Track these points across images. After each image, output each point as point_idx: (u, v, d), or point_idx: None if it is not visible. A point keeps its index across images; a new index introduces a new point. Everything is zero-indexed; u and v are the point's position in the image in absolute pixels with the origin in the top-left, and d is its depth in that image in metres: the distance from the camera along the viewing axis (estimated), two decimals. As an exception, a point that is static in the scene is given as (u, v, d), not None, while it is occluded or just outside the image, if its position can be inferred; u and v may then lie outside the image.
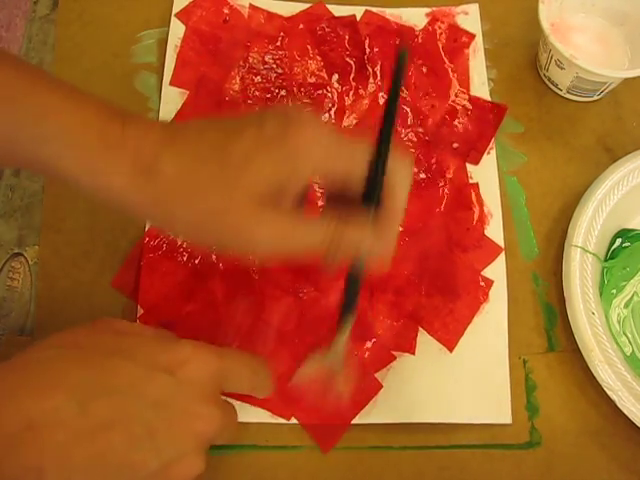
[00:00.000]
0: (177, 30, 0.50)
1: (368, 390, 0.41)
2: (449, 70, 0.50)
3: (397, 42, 0.50)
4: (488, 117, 0.48)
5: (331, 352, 0.35)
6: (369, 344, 0.42)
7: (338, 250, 0.27)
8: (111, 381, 0.26)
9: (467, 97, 0.49)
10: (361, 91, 0.49)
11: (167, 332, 0.32)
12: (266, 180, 0.27)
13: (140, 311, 0.42)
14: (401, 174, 0.29)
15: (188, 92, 0.48)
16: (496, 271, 0.44)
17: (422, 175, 0.46)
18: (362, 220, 0.28)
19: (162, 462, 0.26)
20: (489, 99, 0.49)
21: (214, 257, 0.44)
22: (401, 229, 0.45)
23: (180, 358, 0.28)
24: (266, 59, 0.50)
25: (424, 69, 0.50)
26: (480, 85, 0.50)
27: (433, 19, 0.52)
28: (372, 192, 0.28)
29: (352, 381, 0.38)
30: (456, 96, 0.49)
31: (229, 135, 0.28)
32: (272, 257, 0.29)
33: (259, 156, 0.27)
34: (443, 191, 0.46)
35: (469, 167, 0.47)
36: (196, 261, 0.44)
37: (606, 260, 0.44)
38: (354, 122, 0.48)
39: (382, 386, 0.41)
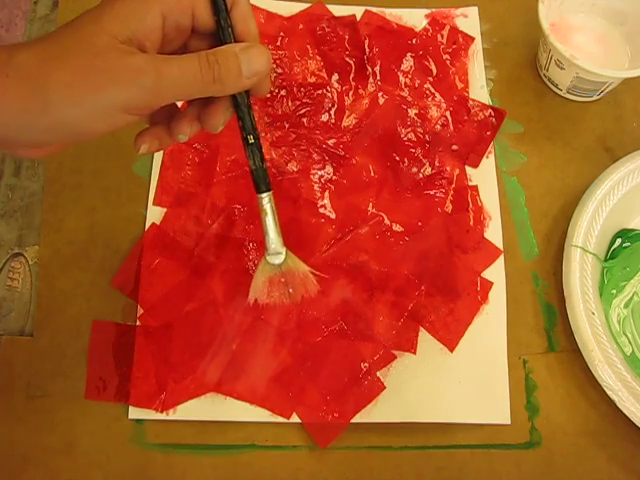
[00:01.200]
0: (177, 30, 0.50)
1: (371, 390, 0.41)
2: (449, 72, 0.50)
3: None
4: (487, 121, 0.49)
5: (268, 247, 0.33)
6: (369, 344, 0.42)
7: (218, 71, 0.28)
8: None
9: (466, 100, 0.49)
10: (361, 91, 0.49)
11: None
12: (121, 27, 0.27)
13: (140, 310, 0.43)
14: None
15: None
16: (495, 273, 0.44)
17: (421, 175, 0.46)
18: (227, 42, 0.29)
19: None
20: (488, 102, 0.49)
21: (214, 256, 0.44)
22: (401, 229, 0.45)
23: None
24: (266, 59, 0.50)
25: (424, 70, 0.50)
26: (479, 88, 0.50)
27: (433, 20, 0.52)
28: (220, 10, 0.29)
29: (301, 262, 0.36)
30: (456, 98, 0.49)
31: (76, 17, 0.28)
32: (155, 95, 0.27)
33: (106, 12, 0.27)
34: (442, 192, 0.46)
35: (468, 169, 0.47)
36: (196, 261, 0.44)
37: (606, 260, 0.44)
38: (354, 122, 0.48)
39: (385, 387, 0.41)
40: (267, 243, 0.34)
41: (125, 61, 0.26)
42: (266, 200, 0.32)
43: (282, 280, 0.35)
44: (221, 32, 0.29)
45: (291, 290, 0.36)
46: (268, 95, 0.30)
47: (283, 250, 0.34)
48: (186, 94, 0.28)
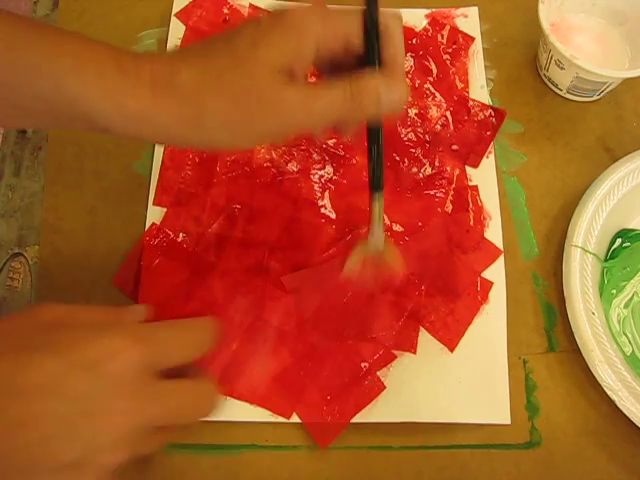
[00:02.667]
0: (177, 30, 0.50)
1: (371, 390, 0.41)
2: (449, 72, 0.50)
3: None
4: (487, 121, 0.49)
5: (370, 236, 0.37)
6: (369, 344, 0.42)
7: (359, 99, 0.29)
8: (25, 378, 0.26)
9: (466, 100, 0.49)
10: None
11: (112, 314, 0.31)
12: (277, 55, 0.28)
13: (140, 311, 0.42)
14: (392, 18, 0.31)
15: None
16: (495, 273, 0.44)
17: (422, 175, 0.46)
18: (372, 70, 0.30)
19: (77, 455, 0.26)
20: (488, 102, 0.49)
21: (214, 256, 0.44)
22: (401, 229, 0.45)
23: (103, 352, 0.27)
24: (266, 59, 0.50)
25: (424, 70, 0.50)
26: (479, 88, 0.50)
27: (433, 21, 0.52)
28: (372, 41, 0.30)
29: (398, 256, 0.39)
30: (456, 98, 0.49)
31: (231, 35, 0.29)
32: (302, 127, 0.29)
33: (264, 39, 0.28)
34: (443, 192, 0.46)
35: (468, 169, 0.47)
36: (196, 260, 0.44)
37: (606, 260, 0.44)
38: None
39: (385, 387, 0.41)
40: (370, 233, 0.38)
41: (279, 95, 0.28)
42: (377, 197, 0.36)
43: (373, 264, 0.39)
44: (368, 58, 0.30)
45: (380, 275, 0.39)
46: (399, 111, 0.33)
47: (382, 238, 0.38)
48: (329, 123, 0.30)
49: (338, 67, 0.32)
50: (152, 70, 0.28)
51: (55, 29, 0.30)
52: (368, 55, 0.30)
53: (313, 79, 0.41)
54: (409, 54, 0.50)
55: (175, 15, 0.51)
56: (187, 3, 0.51)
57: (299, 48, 0.29)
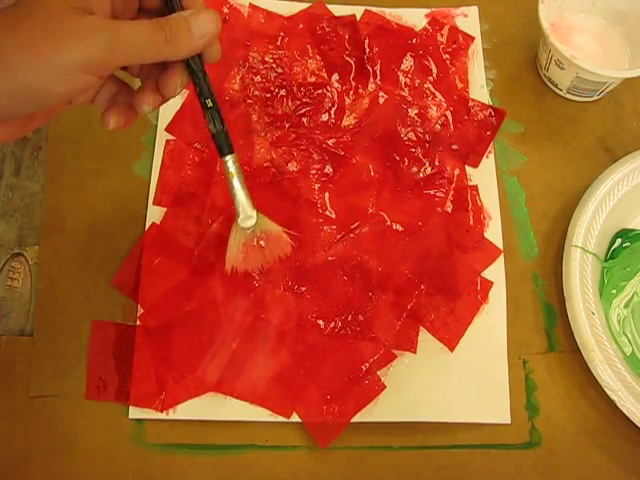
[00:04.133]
0: (177, 30, 0.50)
1: (371, 390, 0.41)
2: (449, 72, 0.50)
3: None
4: (487, 121, 0.49)
5: (237, 210, 0.33)
6: (369, 343, 0.42)
7: (169, 32, 0.28)
8: None
9: (466, 100, 0.49)
10: (361, 90, 0.49)
11: None
12: None
13: (140, 310, 0.43)
14: None
15: (188, 91, 0.48)
16: (495, 273, 0.44)
17: (422, 175, 0.46)
18: (172, 8, 0.30)
19: None
20: (488, 102, 0.49)
21: (214, 255, 0.44)
22: (401, 229, 0.45)
23: None
24: (266, 58, 0.50)
25: (424, 69, 0.50)
26: (479, 88, 0.50)
27: (433, 20, 0.52)
28: None
29: (272, 222, 0.35)
30: (456, 98, 0.49)
31: None
32: (112, 53, 0.27)
33: None
34: (442, 191, 0.46)
35: (468, 169, 0.47)
36: (196, 260, 0.44)
37: (606, 260, 0.44)
38: (354, 121, 0.48)
39: (385, 387, 0.41)
40: (237, 207, 0.33)
41: (80, 20, 0.27)
42: (230, 162, 0.32)
43: (256, 243, 0.35)
44: (169, 4, 0.30)
45: (267, 252, 0.35)
46: (218, 59, 0.31)
47: (254, 213, 0.34)
48: (140, 56, 0.29)
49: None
50: None
51: None
52: (166, 4, 0.30)
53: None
54: (409, 54, 0.50)
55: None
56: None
57: None
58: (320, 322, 0.42)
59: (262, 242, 0.35)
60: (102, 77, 0.28)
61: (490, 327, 0.43)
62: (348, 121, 0.48)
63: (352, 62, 0.50)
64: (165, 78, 0.31)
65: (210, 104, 0.31)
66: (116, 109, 0.32)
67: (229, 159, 0.32)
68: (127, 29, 0.27)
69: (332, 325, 0.42)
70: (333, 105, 0.48)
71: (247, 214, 0.33)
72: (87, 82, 0.28)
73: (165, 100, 0.32)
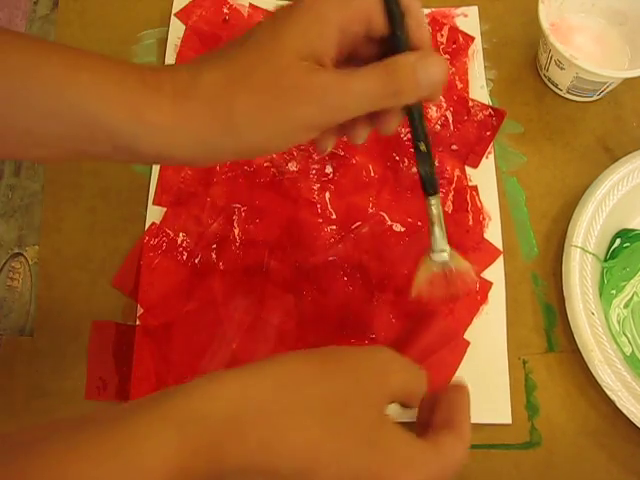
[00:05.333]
0: (177, 30, 0.50)
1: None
2: (449, 72, 0.50)
3: None
4: (487, 121, 0.48)
5: (433, 248, 0.34)
6: (369, 343, 0.42)
7: (397, 80, 0.27)
8: None
9: (466, 100, 0.49)
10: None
11: None
12: (301, 43, 0.27)
13: (140, 310, 0.43)
14: (412, 2, 0.29)
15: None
16: (495, 273, 0.44)
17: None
18: (402, 50, 0.28)
19: None
20: (488, 102, 0.49)
21: (214, 256, 0.44)
22: (401, 229, 0.45)
23: None
24: (266, 59, 0.49)
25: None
26: (479, 88, 0.50)
27: (433, 20, 0.52)
28: (398, 19, 0.28)
29: (465, 262, 0.36)
30: (455, 98, 0.49)
31: (248, 34, 0.28)
32: (340, 111, 0.27)
33: (284, 28, 0.27)
34: (442, 192, 0.46)
35: (468, 170, 0.47)
36: (196, 260, 0.44)
37: (606, 260, 0.44)
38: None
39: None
40: (433, 243, 0.34)
41: (311, 79, 0.26)
42: (434, 202, 0.33)
43: (445, 277, 0.36)
44: (397, 41, 0.28)
45: (452, 287, 0.36)
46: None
47: (447, 249, 0.35)
48: (367, 109, 0.28)
49: (362, 60, 0.30)
50: (173, 78, 0.27)
51: (71, 47, 0.28)
52: (395, 36, 0.28)
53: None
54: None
55: (175, 15, 0.51)
56: (187, 3, 0.51)
57: (322, 32, 0.27)
58: (320, 322, 0.42)
59: (450, 277, 0.36)
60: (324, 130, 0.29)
61: (490, 328, 0.43)
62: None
63: (352, 62, 0.50)
64: (383, 117, 0.30)
65: (423, 148, 0.31)
66: (329, 135, 0.31)
67: (433, 199, 0.33)
68: (357, 85, 0.27)
69: (332, 325, 0.42)
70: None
71: (440, 248, 0.35)
72: (310, 137, 0.28)
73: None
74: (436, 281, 0.36)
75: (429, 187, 0.32)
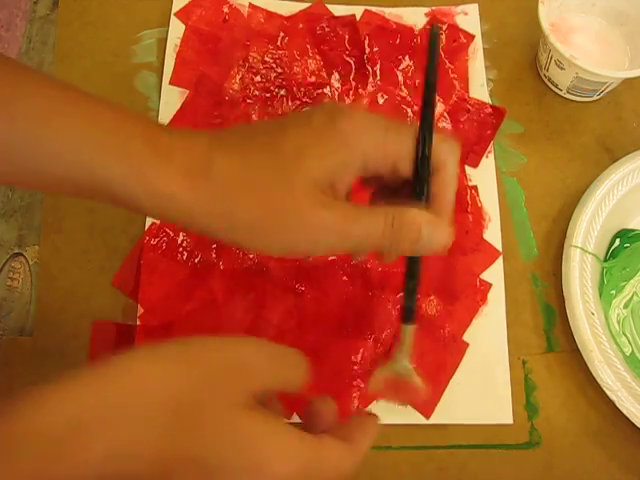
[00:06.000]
0: (177, 29, 0.50)
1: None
2: (448, 71, 0.50)
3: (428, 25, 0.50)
4: (487, 120, 0.48)
5: (396, 362, 0.36)
6: (369, 343, 0.42)
7: (399, 236, 0.27)
8: None
9: (466, 99, 0.49)
10: (361, 90, 0.49)
11: None
12: (321, 168, 0.27)
13: (140, 310, 0.43)
14: (448, 153, 0.29)
15: (188, 91, 0.48)
16: (494, 274, 0.44)
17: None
18: (418, 204, 0.29)
19: None
20: (488, 101, 0.49)
21: (214, 256, 0.44)
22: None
23: None
24: (266, 58, 0.50)
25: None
26: (479, 87, 0.50)
27: (433, 19, 0.52)
28: (423, 173, 0.28)
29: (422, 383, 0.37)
30: (455, 97, 0.49)
31: (277, 131, 0.28)
32: (333, 250, 0.29)
33: (311, 146, 0.27)
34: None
35: (468, 170, 0.47)
36: (196, 260, 0.44)
37: (606, 260, 0.44)
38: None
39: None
40: (397, 354, 0.36)
41: (316, 216, 0.27)
42: (409, 330, 0.34)
43: (397, 384, 0.37)
44: (415, 194, 0.29)
45: (401, 395, 0.38)
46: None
47: (409, 366, 0.36)
48: (361, 250, 0.29)
49: (383, 184, 0.30)
50: (187, 156, 0.27)
51: (83, 94, 0.28)
52: (415, 188, 0.29)
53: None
54: (408, 53, 0.50)
55: (175, 14, 0.51)
56: (187, 2, 0.51)
57: (346, 163, 0.27)
58: (320, 322, 0.42)
59: (403, 387, 0.37)
60: None
61: (489, 329, 0.43)
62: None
63: (352, 62, 0.50)
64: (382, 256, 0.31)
65: (411, 286, 0.32)
66: None
67: (410, 328, 0.34)
68: (357, 231, 0.27)
69: (332, 325, 0.42)
70: (333, 105, 0.48)
71: (403, 365, 0.36)
72: (302, 256, 0.29)
73: None
74: (389, 385, 0.37)
75: (408, 318, 0.33)
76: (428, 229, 0.28)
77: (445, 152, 0.29)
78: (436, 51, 0.31)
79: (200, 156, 0.27)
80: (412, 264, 0.32)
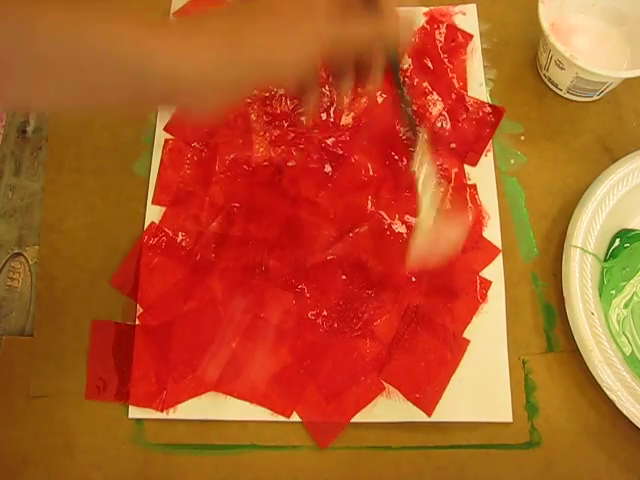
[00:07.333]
0: (177, 30, 0.50)
1: (370, 390, 0.41)
2: (447, 70, 0.50)
3: None
4: (486, 119, 0.48)
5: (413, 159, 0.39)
6: (369, 342, 0.42)
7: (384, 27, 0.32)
8: None
9: (465, 98, 0.49)
10: (359, 90, 0.49)
11: None
12: None
13: (139, 310, 0.43)
14: None
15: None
16: (494, 272, 0.44)
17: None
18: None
19: None
20: (487, 100, 0.49)
21: (213, 255, 0.44)
22: (402, 228, 0.45)
23: None
24: (265, 58, 0.49)
25: (422, 68, 0.50)
26: (477, 86, 0.50)
27: (431, 18, 0.52)
28: None
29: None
30: (454, 96, 0.49)
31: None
32: (330, 52, 0.31)
33: None
34: (441, 191, 0.46)
35: (467, 168, 0.47)
36: (195, 259, 0.44)
37: (606, 260, 0.44)
38: (352, 121, 0.48)
39: (385, 387, 0.41)
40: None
41: (311, 27, 0.30)
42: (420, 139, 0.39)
43: (435, 238, 0.39)
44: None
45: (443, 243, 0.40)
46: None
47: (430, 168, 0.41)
48: (354, 49, 0.33)
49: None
50: (179, 22, 0.29)
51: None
52: None
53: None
54: (407, 53, 0.50)
55: (174, 14, 0.51)
56: (185, 2, 0.51)
57: None
58: (319, 321, 0.42)
59: (441, 233, 0.40)
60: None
61: (490, 326, 0.43)
62: (347, 120, 0.48)
63: (351, 62, 0.50)
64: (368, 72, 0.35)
65: (402, 93, 0.37)
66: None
67: (420, 134, 0.40)
68: (348, 33, 0.31)
69: (331, 324, 0.42)
70: (332, 104, 0.48)
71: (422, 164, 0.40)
72: (309, 67, 0.31)
73: None
74: (429, 241, 0.39)
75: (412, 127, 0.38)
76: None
77: None
78: None
79: (191, 20, 0.30)
80: (396, 72, 0.36)
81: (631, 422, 0.39)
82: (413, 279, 0.43)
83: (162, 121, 0.48)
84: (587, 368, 0.40)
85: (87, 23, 0.27)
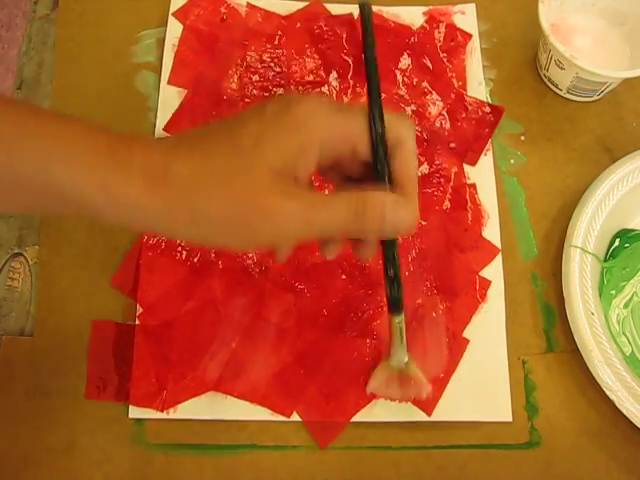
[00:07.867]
0: (175, 29, 0.50)
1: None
2: (446, 70, 0.50)
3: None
4: (485, 118, 0.48)
5: (392, 355, 0.37)
6: (369, 341, 0.42)
7: (364, 218, 0.27)
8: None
9: (464, 97, 0.49)
10: (359, 89, 0.49)
11: None
12: (279, 155, 0.27)
13: (139, 309, 0.43)
14: (404, 129, 0.29)
15: (186, 91, 0.48)
16: (493, 272, 0.44)
17: (419, 173, 0.46)
18: (382, 187, 0.29)
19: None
20: (486, 100, 0.49)
21: (213, 255, 0.44)
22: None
23: None
24: (264, 58, 0.50)
25: (421, 67, 0.50)
26: (477, 86, 0.50)
27: (430, 18, 0.52)
28: (379, 151, 0.28)
29: (420, 373, 0.38)
30: (453, 96, 0.49)
31: (235, 126, 0.28)
32: (299, 239, 0.28)
33: (267, 135, 0.27)
34: (441, 190, 0.46)
35: (466, 168, 0.47)
36: (195, 259, 0.44)
37: (606, 260, 0.44)
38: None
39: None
40: (393, 352, 0.37)
41: (279, 205, 0.26)
42: (398, 321, 0.35)
43: (398, 381, 0.39)
44: (376, 175, 0.29)
45: (404, 391, 0.39)
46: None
47: (406, 359, 0.38)
48: (328, 237, 0.30)
49: (345, 172, 0.31)
50: (145, 160, 0.27)
51: (47, 112, 0.28)
52: (376, 169, 0.29)
53: (317, 183, 0.41)
54: (406, 52, 0.50)
55: (173, 14, 0.51)
56: (185, 2, 0.51)
57: (303, 147, 0.27)
58: (319, 321, 0.42)
59: (405, 381, 0.39)
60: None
61: (489, 326, 0.43)
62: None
63: (350, 61, 0.50)
64: (357, 245, 0.32)
65: (391, 274, 0.32)
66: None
67: (398, 318, 0.35)
68: (321, 218, 0.27)
69: (331, 324, 0.42)
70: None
71: (399, 359, 0.37)
72: (269, 247, 0.29)
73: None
74: (391, 382, 0.39)
75: (395, 308, 0.34)
76: (393, 208, 0.28)
77: (400, 128, 0.29)
78: (369, 25, 0.31)
79: (158, 159, 0.27)
80: (387, 250, 0.31)
81: (631, 422, 0.39)
82: (413, 279, 0.43)
83: (162, 121, 0.48)
84: (587, 368, 0.40)
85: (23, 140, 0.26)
